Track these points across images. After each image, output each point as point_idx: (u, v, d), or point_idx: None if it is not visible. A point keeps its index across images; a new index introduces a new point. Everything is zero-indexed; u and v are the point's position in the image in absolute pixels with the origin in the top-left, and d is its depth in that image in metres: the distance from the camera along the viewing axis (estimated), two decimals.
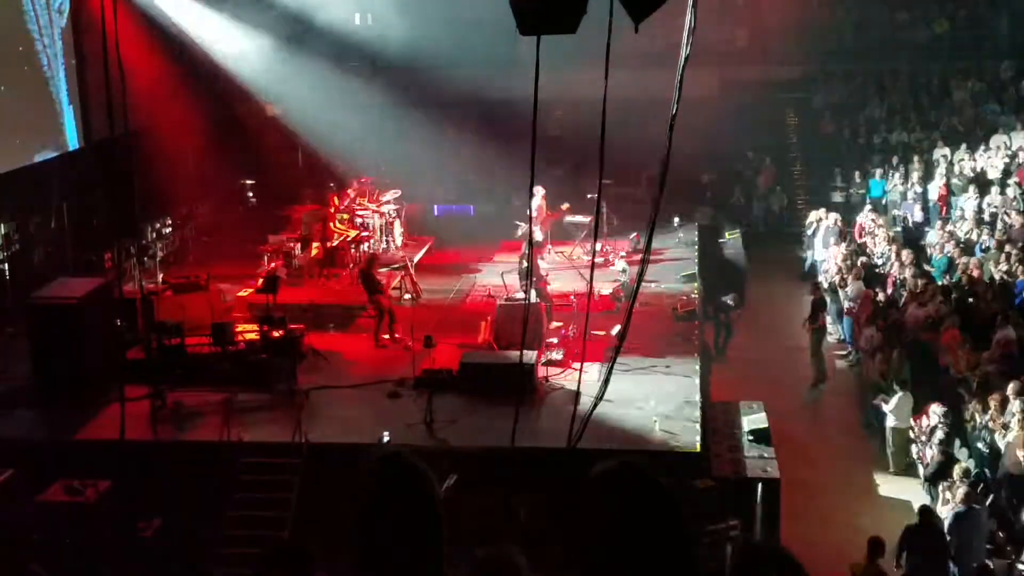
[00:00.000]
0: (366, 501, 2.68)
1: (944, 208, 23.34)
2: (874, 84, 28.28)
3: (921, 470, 14.35)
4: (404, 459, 2.75)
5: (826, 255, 22.10)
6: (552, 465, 11.78)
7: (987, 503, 12.27)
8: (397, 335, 16.35)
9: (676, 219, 22.30)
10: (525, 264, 16.01)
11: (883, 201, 25.04)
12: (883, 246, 21.50)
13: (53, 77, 19.83)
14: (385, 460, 2.76)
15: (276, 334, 15.20)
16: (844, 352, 19.36)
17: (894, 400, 15.04)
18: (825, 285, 20.15)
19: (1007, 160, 23.75)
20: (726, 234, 22.78)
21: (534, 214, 19.64)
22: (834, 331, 20.20)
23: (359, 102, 24.25)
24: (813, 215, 23.79)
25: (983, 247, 20.14)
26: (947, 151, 25.13)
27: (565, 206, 20.41)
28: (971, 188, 23.03)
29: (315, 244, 19.88)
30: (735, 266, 21.63)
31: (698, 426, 13.43)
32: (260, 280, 17.45)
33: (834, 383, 18.24)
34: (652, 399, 14.13)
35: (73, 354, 14.27)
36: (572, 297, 17.12)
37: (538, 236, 18.84)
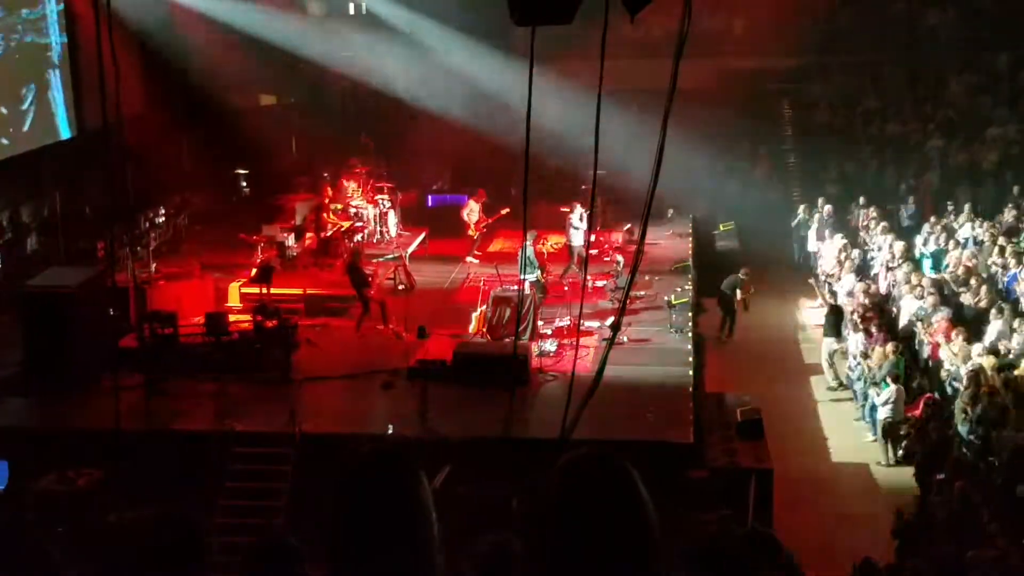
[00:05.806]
0: (348, 501, 2.54)
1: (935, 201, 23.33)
2: (869, 75, 28.23)
3: (913, 461, 14.39)
4: (391, 457, 2.59)
5: (820, 247, 22.10)
6: (546, 455, 11.77)
7: (980, 494, 12.30)
8: (391, 325, 16.31)
9: (670, 211, 22.27)
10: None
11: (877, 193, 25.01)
12: (877, 239, 21.50)
13: (47, 65, 19.74)
14: (371, 458, 2.60)
15: (270, 324, 15.18)
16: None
17: (887, 392, 15.07)
18: (822, 278, 20.12)
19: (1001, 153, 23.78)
20: (720, 226, 22.76)
21: (470, 220, 19.68)
22: None
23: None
24: (803, 207, 23.81)
25: (976, 240, 20.15)
26: (941, 143, 25.11)
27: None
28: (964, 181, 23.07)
29: (309, 234, 19.83)
30: (729, 258, 21.61)
31: (691, 416, 13.46)
32: (254, 270, 17.41)
33: (826, 374, 18.29)
34: (646, 390, 14.12)
35: (66, 343, 14.22)
36: (566, 287, 17.09)
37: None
